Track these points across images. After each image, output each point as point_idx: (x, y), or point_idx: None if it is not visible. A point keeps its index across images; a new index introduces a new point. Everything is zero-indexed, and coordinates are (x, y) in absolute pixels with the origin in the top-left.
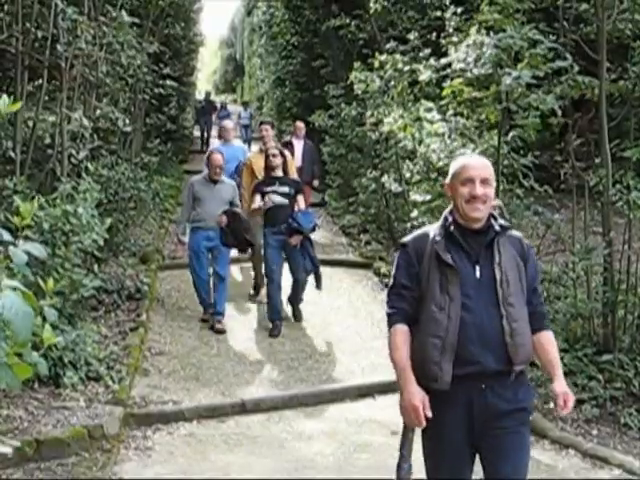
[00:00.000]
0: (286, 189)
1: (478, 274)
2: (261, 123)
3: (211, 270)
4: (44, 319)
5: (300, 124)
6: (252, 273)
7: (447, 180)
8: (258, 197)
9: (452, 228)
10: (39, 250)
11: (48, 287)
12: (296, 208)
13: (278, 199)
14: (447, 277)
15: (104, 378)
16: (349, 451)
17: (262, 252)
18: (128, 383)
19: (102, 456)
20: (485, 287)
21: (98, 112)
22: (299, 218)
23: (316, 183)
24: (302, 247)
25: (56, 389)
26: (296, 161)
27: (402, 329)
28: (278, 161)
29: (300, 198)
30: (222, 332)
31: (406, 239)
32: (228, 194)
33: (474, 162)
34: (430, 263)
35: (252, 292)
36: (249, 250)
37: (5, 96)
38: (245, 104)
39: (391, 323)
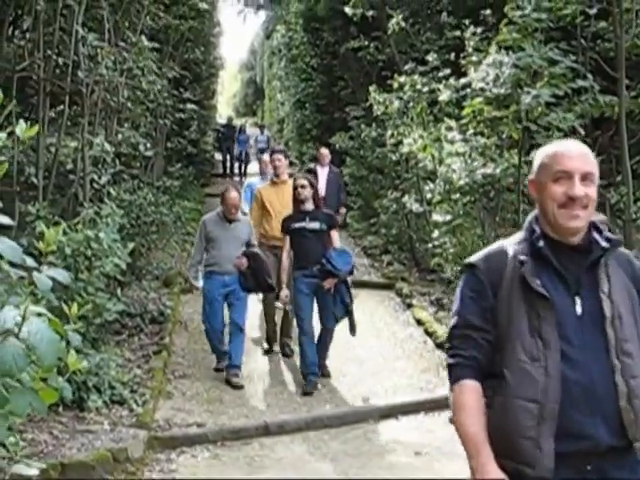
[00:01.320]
0: (317, 225)
1: (579, 309)
2: (272, 152)
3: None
4: (68, 344)
5: (324, 151)
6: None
7: (531, 176)
8: (287, 241)
9: (541, 243)
10: (63, 276)
11: (72, 312)
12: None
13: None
14: (538, 313)
15: (128, 401)
16: (373, 472)
17: (280, 297)
18: (152, 406)
19: (126, 479)
20: (589, 328)
21: (120, 137)
22: (334, 259)
23: (343, 211)
24: (336, 291)
25: (80, 413)
26: (320, 190)
27: (473, 386)
28: (307, 193)
29: (334, 234)
30: (239, 387)
31: (475, 258)
32: (245, 234)
33: (572, 149)
34: (512, 292)
35: (266, 346)
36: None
37: (22, 121)
38: (262, 127)
39: (456, 377)
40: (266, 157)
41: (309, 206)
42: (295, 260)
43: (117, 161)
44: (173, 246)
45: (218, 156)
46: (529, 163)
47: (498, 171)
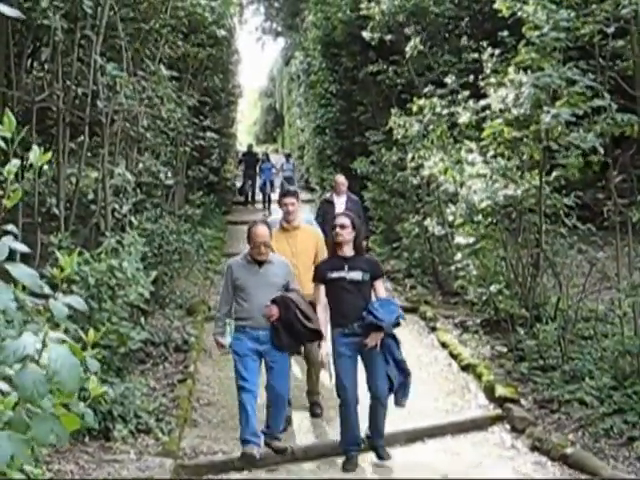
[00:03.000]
0: (358, 275)
1: None
2: (284, 194)
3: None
4: (87, 370)
5: (340, 178)
6: (304, 377)
7: None
8: (322, 292)
9: None
10: (79, 303)
11: (89, 338)
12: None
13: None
14: None
15: (154, 430)
16: None
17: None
18: (178, 434)
19: None
20: None
21: (140, 166)
22: (376, 310)
23: (364, 244)
24: (383, 348)
25: (106, 442)
26: None
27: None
28: (348, 235)
29: (380, 286)
30: (284, 451)
31: None
32: (280, 277)
33: None
34: None
35: (312, 409)
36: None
37: (36, 147)
38: (288, 155)
39: None
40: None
41: (349, 251)
42: (332, 317)
43: (138, 190)
44: (196, 274)
45: (239, 183)
46: (550, 183)
47: (519, 192)
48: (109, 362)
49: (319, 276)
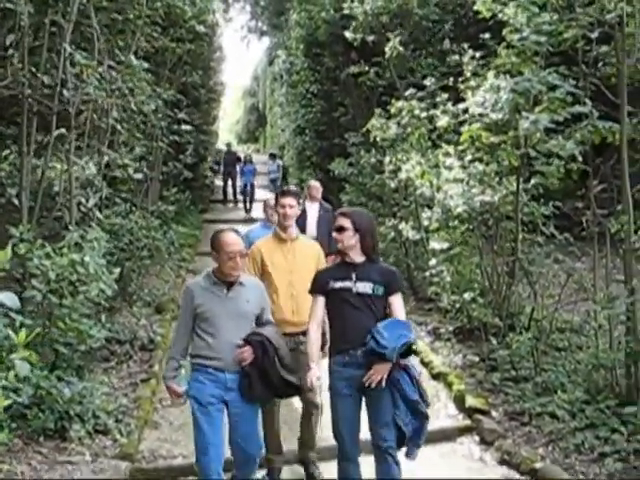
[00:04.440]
0: (368, 287)
1: None
2: (282, 193)
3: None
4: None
5: (315, 184)
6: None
7: None
8: (319, 305)
9: None
10: (12, 300)
11: (19, 339)
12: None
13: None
14: None
15: (112, 431)
16: None
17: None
18: (137, 436)
19: None
20: None
21: (106, 159)
22: (380, 333)
23: (331, 259)
24: (392, 384)
25: (62, 443)
26: (309, 230)
27: None
28: (349, 240)
29: (397, 303)
30: None
31: None
32: (253, 304)
33: None
34: None
35: (306, 469)
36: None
37: None
38: (273, 156)
39: None
40: (272, 200)
41: (357, 257)
42: (331, 340)
43: (105, 184)
44: (167, 272)
45: (218, 182)
46: (528, 191)
47: (496, 198)
48: (68, 360)
49: (318, 285)
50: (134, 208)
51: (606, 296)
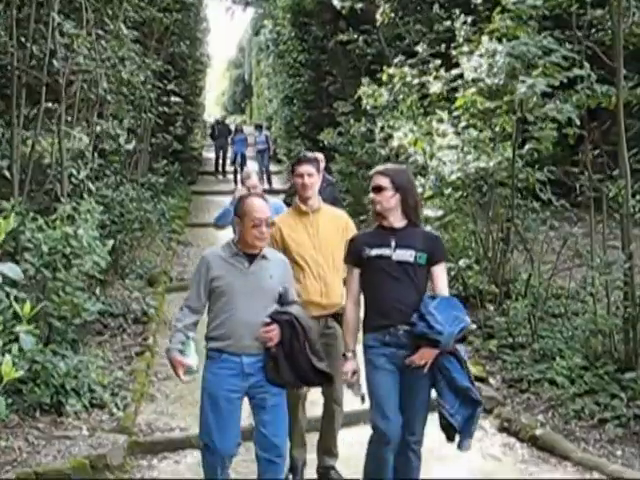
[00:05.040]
0: (410, 254)
1: None
2: (298, 162)
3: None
4: (21, 349)
5: (317, 155)
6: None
7: None
8: (355, 279)
9: None
10: (14, 271)
11: (25, 311)
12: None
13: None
14: None
15: (108, 405)
16: None
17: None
18: (133, 410)
19: None
20: None
21: (98, 129)
22: (432, 314)
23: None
24: (439, 370)
25: (58, 417)
26: None
27: None
28: (388, 201)
29: (440, 273)
30: None
31: None
32: (276, 281)
33: None
34: None
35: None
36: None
37: None
38: (259, 126)
39: None
40: (253, 177)
41: (397, 221)
42: (367, 315)
43: (97, 155)
44: (158, 244)
45: (206, 154)
46: (522, 157)
47: (492, 165)
48: (63, 334)
49: (353, 254)
50: (124, 180)
51: (603, 261)
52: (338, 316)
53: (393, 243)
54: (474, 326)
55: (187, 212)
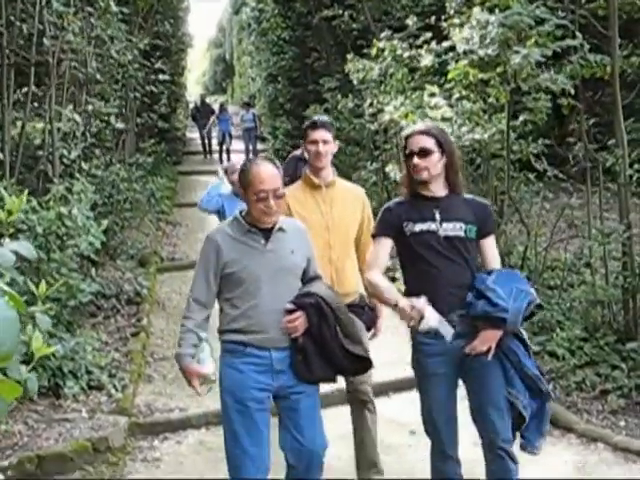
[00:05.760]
0: (459, 228)
1: None
2: (312, 126)
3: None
4: (36, 327)
5: None
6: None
7: None
8: (383, 249)
9: None
10: (28, 250)
11: (40, 291)
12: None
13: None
14: None
15: (106, 387)
16: None
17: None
18: (132, 391)
19: (108, 469)
20: None
21: (90, 108)
22: (491, 289)
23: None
24: (505, 357)
25: (57, 400)
26: None
27: None
28: (434, 165)
29: (489, 246)
30: None
31: None
32: (299, 256)
33: None
34: None
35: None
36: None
37: None
38: (247, 104)
39: None
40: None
41: (439, 190)
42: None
43: (87, 135)
44: (147, 225)
45: (189, 134)
46: (516, 129)
47: (486, 136)
48: (58, 316)
49: (390, 226)
50: (113, 160)
51: (601, 232)
52: (353, 307)
53: (438, 215)
54: (538, 300)
55: (174, 192)
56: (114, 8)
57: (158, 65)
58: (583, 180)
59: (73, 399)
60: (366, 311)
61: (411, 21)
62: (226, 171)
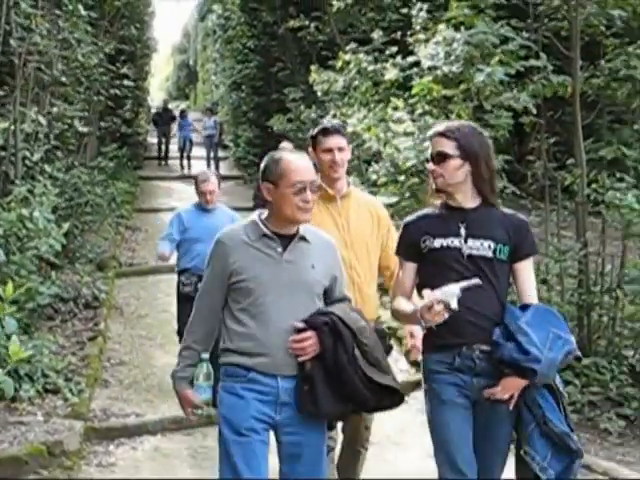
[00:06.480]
0: (488, 247)
1: None
2: (324, 132)
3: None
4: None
5: (289, 145)
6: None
7: None
8: (409, 274)
9: None
10: None
11: (7, 294)
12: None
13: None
14: None
15: (62, 390)
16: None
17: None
18: (88, 395)
19: (62, 474)
20: None
21: (55, 110)
22: (523, 332)
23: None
24: (527, 409)
25: (12, 403)
26: None
27: None
28: (454, 173)
29: (526, 271)
30: None
31: None
32: (321, 272)
33: None
34: None
35: None
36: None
37: None
38: (209, 110)
39: None
40: (212, 181)
41: (467, 199)
42: (428, 330)
43: (51, 137)
44: (107, 229)
45: (151, 139)
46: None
47: None
48: (17, 318)
49: (408, 244)
50: (75, 163)
51: (558, 249)
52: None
53: (463, 231)
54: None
55: (135, 197)
56: (82, 12)
57: (124, 70)
58: (542, 198)
59: (29, 402)
60: (386, 340)
61: (377, 35)
62: (196, 180)
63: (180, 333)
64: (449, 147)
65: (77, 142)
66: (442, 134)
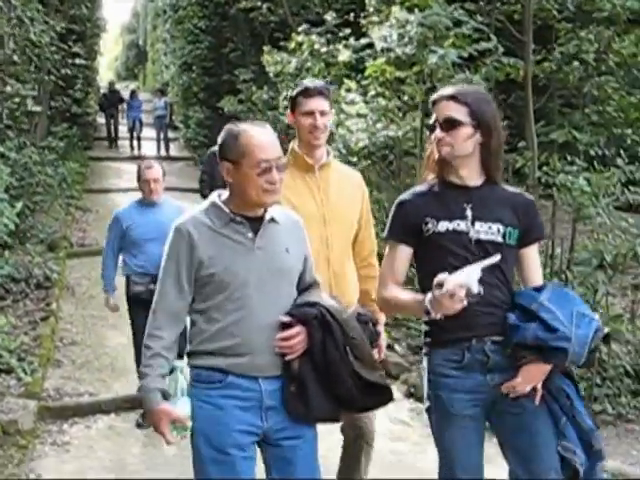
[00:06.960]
0: (496, 231)
1: None
2: (305, 92)
3: None
4: None
5: None
6: None
7: None
8: (401, 257)
9: None
10: None
11: None
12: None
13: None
14: None
15: (16, 370)
16: None
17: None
18: (41, 375)
19: (17, 453)
20: None
21: (9, 89)
22: (546, 309)
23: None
24: (554, 400)
25: None
26: None
27: None
28: (464, 142)
29: (532, 256)
30: None
31: None
32: (295, 255)
33: None
34: None
35: None
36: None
37: None
38: (160, 91)
39: None
40: (157, 167)
41: (472, 177)
42: (430, 325)
43: (3, 116)
44: (57, 209)
45: (100, 119)
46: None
47: (400, 133)
48: None
49: (406, 227)
50: (27, 143)
51: None
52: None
53: (469, 212)
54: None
55: (85, 177)
56: None
57: (76, 49)
58: None
59: None
60: (369, 327)
61: (330, 16)
62: (139, 169)
63: (137, 344)
64: (460, 113)
65: (28, 122)
66: (452, 97)
